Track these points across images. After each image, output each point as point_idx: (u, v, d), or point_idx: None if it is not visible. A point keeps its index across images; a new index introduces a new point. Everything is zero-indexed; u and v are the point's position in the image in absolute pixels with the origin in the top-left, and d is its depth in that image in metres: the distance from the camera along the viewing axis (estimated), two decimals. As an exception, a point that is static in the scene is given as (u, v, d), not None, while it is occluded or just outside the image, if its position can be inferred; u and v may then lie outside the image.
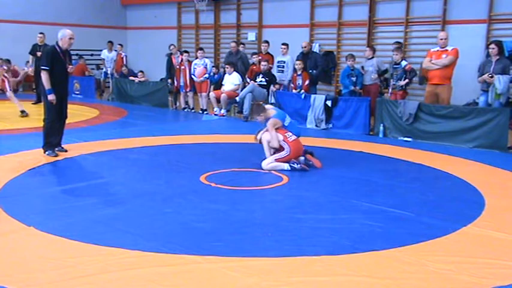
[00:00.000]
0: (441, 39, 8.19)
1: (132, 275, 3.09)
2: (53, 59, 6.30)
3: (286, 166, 5.96)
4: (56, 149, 6.59)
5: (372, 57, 9.72)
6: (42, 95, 6.49)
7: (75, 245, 3.53)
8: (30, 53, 12.42)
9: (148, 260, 3.30)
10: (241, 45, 12.15)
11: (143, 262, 3.27)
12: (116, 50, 14.45)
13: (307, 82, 10.01)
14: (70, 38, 6.36)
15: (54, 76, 6.33)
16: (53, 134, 6.54)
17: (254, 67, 11.19)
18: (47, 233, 3.74)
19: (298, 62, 10.04)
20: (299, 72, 10.06)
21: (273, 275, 3.13)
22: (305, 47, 10.60)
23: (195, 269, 3.20)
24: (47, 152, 6.47)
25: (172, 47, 12.59)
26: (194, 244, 3.59)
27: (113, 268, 3.17)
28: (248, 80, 11.00)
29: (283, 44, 10.97)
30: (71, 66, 6.59)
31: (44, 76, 6.29)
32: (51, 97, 6.31)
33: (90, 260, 3.29)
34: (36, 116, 10.50)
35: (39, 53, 11.85)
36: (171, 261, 3.30)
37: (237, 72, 11.11)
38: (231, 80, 11.06)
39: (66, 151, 6.64)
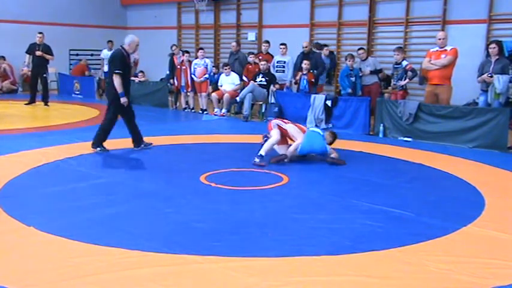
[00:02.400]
0: (439, 39, 8.19)
1: (132, 275, 3.09)
2: (123, 62, 6.61)
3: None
4: (142, 145, 6.96)
5: (367, 58, 9.73)
6: (111, 98, 6.75)
7: (75, 245, 3.52)
8: (27, 52, 11.94)
9: (148, 260, 3.30)
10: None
11: (143, 262, 3.27)
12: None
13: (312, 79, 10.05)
14: (137, 45, 6.89)
15: (123, 79, 6.60)
16: (109, 132, 6.82)
17: (250, 66, 11.20)
18: (47, 233, 3.74)
19: (306, 62, 10.00)
20: (305, 72, 10.05)
21: (273, 275, 3.13)
22: (306, 47, 10.61)
23: (195, 269, 3.20)
24: (99, 148, 6.71)
25: (174, 47, 12.60)
26: (194, 244, 3.59)
27: (113, 268, 3.17)
28: (245, 79, 11.03)
29: (281, 44, 11.01)
30: (135, 68, 6.89)
31: (117, 80, 6.53)
32: (123, 100, 6.61)
33: (90, 260, 3.29)
34: (31, 116, 10.52)
35: (38, 52, 11.63)
36: (171, 261, 3.29)
37: (234, 72, 11.16)
38: (230, 81, 11.09)
39: (150, 144, 7.00)
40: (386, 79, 10.20)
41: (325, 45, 11.28)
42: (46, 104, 11.73)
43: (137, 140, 6.99)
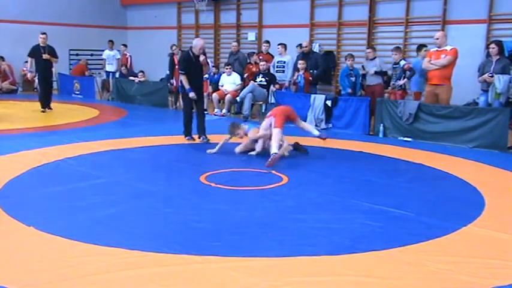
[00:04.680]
0: (436, 38, 8.18)
1: (132, 275, 3.09)
2: (188, 63, 7.48)
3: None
4: (201, 137, 7.76)
5: (374, 58, 9.73)
6: (181, 93, 7.94)
7: (75, 245, 3.52)
8: (30, 55, 10.72)
9: (148, 260, 3.30)
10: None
11: (143, 262, 3.27)
12: (118, 50, 14.38)
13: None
14: (200, 49, 7.49)
15: (189, 77, 7.47)
16: (189, 123, 7.84)
17: (251, 66, 11.21)
18: (47, 233, 3.74)
19: (301, 62, 10.01)
20: (301, 72, 10.05)
21: (273, 275, 3.13)
22: (306, 47, 10.60)
23: (195, 269, 3.20)
24: (187, 137, 7.80)
25: (174, 47, 12.60)
26: (194, 244, 3.59)
27: (113, 268, 3.17)
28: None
29: (279, 44, 11.02)
30: (206, 67, 7.81)
31: (183, 79, 7.53)
32: (192, 95, 7.54)
33: (90, 260, 3.29)
34: (31, 116, 10.53)
35: (45, 55, 10.51)
36: (171, 261, 3.30)
37: (235, 72, 11.17)
38: (231, 81, 11.09)
39: (208, 140, 7.62)
40: (386, 80, 10.19)
41: (424, 46, 9.53)
42: (49, 108, 11.08)
43: (201, 131, 7.83)
